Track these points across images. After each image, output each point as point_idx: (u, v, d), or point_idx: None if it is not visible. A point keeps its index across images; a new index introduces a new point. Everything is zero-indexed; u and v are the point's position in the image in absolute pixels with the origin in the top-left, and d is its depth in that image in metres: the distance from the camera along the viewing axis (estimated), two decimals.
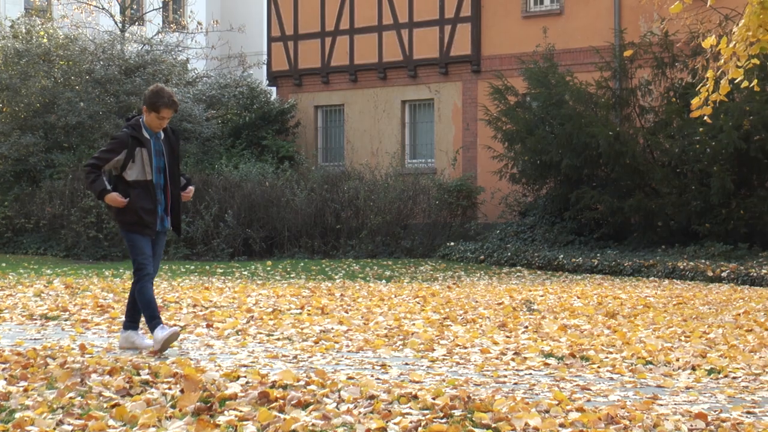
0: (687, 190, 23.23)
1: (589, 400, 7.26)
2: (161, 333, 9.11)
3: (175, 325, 10.48)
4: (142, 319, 9.51)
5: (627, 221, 24.31)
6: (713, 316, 13.01)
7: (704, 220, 23.05)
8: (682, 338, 10.65)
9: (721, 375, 8.51)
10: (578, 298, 15.41)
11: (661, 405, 7.07)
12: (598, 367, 8.89)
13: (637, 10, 25.86)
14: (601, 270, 21.98)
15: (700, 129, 22.37)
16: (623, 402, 7.09)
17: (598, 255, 22.95)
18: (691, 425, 6.34)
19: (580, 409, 6.65)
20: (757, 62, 15.67)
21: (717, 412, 6.78)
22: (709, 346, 10.01)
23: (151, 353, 9.05)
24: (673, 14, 15.45)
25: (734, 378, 8.37)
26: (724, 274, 19.98)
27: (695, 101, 15.22)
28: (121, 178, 9.35)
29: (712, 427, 6.31)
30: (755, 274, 19.52)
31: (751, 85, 15.83)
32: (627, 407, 6.79)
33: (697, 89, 15.67)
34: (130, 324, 9.54)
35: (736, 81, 15.30)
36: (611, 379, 8.37)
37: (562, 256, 23.08)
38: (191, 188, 9.76)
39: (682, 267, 20.82)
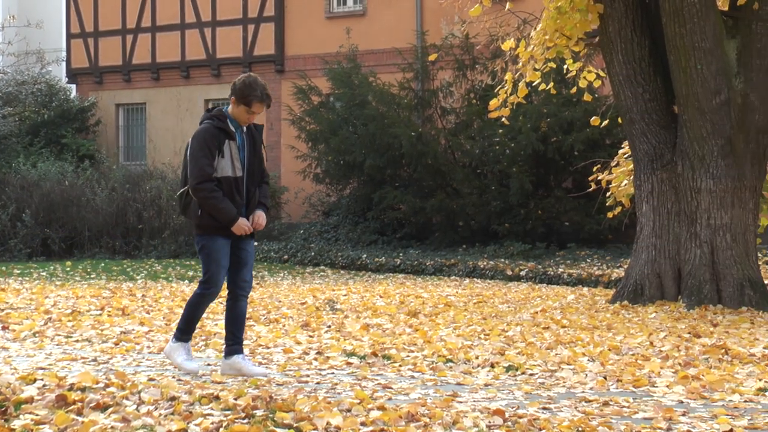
0: (487, 191, 23.66)
1: (390, 399, 7.30)
2: (180, 359, 8.27)
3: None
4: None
5: (429, 221, 24.62)
6: (512, 314, 13.27)
7: (504, 220, 23.53)
8: (482, 336, 10.82)
9: (519, 372, 8.68)
10: (381, 297, 15.52)
11: (461, 402, 7.16)
12: (400, 365, 8.95)
13: (439, 13, 26.22)
14: (403, 269, 22.21)
15: (500, 131, 22.86)
16: (424, 400, 7.15)
17: (401, 254, 23.18)
18: (490, 422, 6.43)
19: (381, 408, 6.68)
20: (554, 66, 16.12)
21: (515, 409, 6.90)
22: (508, 344, 10.20)
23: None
24: (474, 17, 15.73)
25: (531, 375, 8.55)
26: (522, 273, 20.44)
27: (494, 103, 15.55)
28: None
29: (510, 423, 6.42)
30: (552, 273, 20.04)
31: (548, 88, 16.25)
32: (427, 405, 6.86)
33: (496, 91, 16.02)
34: (233, 346, 8.32)
35: (534, 84, 15.69)
36: (412, 377, 8.43)
37: (365, 255, 23.22)
38: (260, 214, 8.40)
39: (482, 266, 21.20)
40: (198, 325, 10.71)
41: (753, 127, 13.82)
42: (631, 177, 15.23)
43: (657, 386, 7.96)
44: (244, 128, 8.33)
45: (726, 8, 14.54)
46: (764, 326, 11.94)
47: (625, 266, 16.28)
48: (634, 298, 14.09)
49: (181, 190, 8.35)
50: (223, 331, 8.55)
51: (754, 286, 13.76)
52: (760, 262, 15.82)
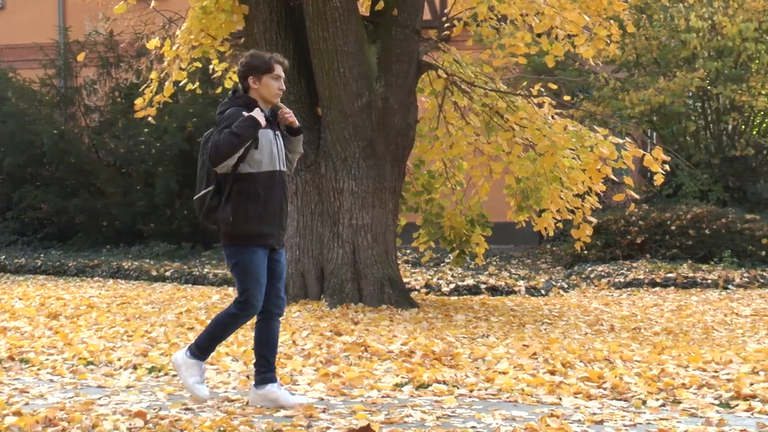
0: (132, 190, 23.35)
1: (27, 404, 7.06)
2: (191, 380, 7.17)
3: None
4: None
5: (72, 221, 24.04)
6: (156, 315, 13.13)
7: (149, 220, 23.29)
8: (125, 338, 10.65)
9: (161, 373, 8.58)
10: (20, 299, 15.01)
11: (102, 405, 7.01)
12: (38, 369, 8.68)
13: (83, 9, 25.66)
14: (45, 270, 21.58)
15: (146, 130, 22.61)
16: (63, 404, 6.95)
17: (42, 255, 22.52)
18: (131, 424, 6.33)
19: (17, 413, 6.45)
20: (200, 65, 16.05)
21: (156, 410, 6.82)
22: (151, 345, 10.07)
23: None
24: (118, 14, 15.46)
25: (174, 375, 8.47)
26: (168, 274, 20.27)
27: (139, 102, 15.33)
28: (237, 175, 6.97)
29: (151, 425, 6.34)
30: (198, 273, 19.97)
31: (194, 88, 16.18)
32: (66, 409, 6.68)
33: (141, 90, 15.80)
34: (267, 374, 7.16)
35: (180, 83, 15.59)
36: (52, 381, 8.19)
37: (3, 256, 22.42)
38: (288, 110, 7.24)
39: (126, 267, 20.88)
40: None
41: (393, 130, 14.25)
42: None
43: (299, 384, 8.07)
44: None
45: (367, 14, 14.94)
46: (402, 323, 12.34)
47: None
48: None
49: (203, 192, 7.10)
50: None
51: (394, 285, 14.19)
52: (399, 262, 16.37)
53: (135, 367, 8.82)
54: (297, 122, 7.24)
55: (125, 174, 23.79)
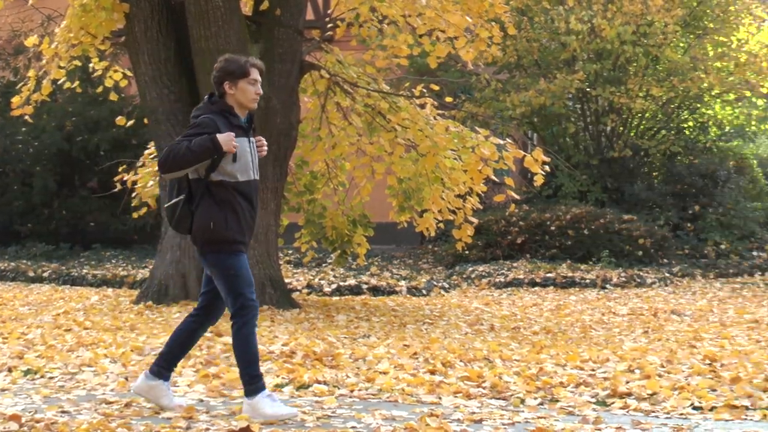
0: (9, 190, 22.93)
1: None
2: (274, 410, 6.63)
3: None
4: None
5: None
6: (33, 316, 12.91)
7: (26, 220, 22.89)
8: (0, 340, 10.45)
9: (38, 375, 8.44)
10: None
11: None
12: None
13: None
14: None
15: (23, 129, 22.20)
16: None
17: None
18: (5, 427, 6.21)
19: None
20: (80, 64, 15.81)
21: (32, 413, 6.71)
22: (27, 347, 9.89)
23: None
24: None
25: (51, 378, 8.33)
26: (45, 275, 19.92)
27: (16, 100, 15.04)
28: (209, 183, 6.71)
29: (26, 428, 6.23)
30: (76, 274, 19.66)
31: (74, 86, 15.95)
32: None
33: (18, 88, 15.51)
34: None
35: (59, 82, 15.34)
36: None
37: None
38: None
39: (3, 268, 20.48)
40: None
41: (275, 130, 14.21)
42: (157, 178, 15.24)
43: (178, 385, 7.99)
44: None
45: (250, 13, 14.87)
46: (284, 324, 12.32)
47: (151, 267, 16.28)
48: (159, 299, 14.10)
49: (174, 200, 6.80)
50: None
51: (275, 285, 14.16)
52: (281, 262, 16.32)
53: (10, 370, 8.66)
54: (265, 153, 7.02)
55: (2, 173, 23.33)
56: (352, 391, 7.85)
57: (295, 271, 19.93)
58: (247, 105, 6.85)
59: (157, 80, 14.36)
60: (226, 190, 6.69)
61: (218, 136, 6.60)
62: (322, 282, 18.01)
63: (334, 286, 17.70)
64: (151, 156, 16.12)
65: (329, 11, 17.06)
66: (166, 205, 6.92)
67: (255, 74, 6.84)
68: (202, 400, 7.47)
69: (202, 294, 7.05)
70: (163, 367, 6.93)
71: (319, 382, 8.11)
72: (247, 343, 6.68)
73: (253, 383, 6.66)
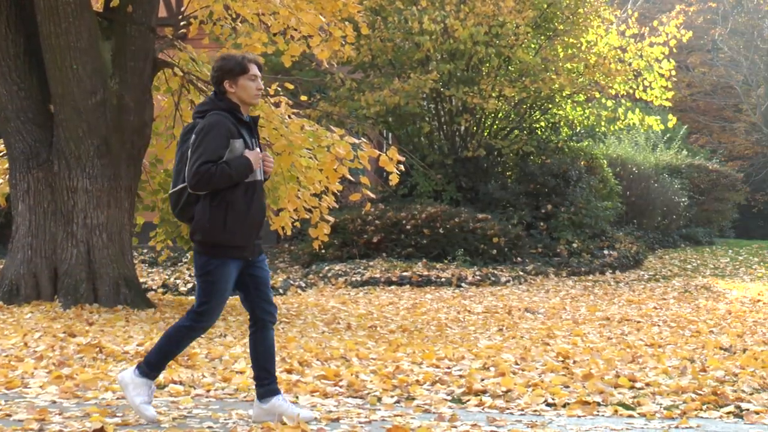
0: None
1: None
2: (138, 398, 6.59)
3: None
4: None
5: None
6: None
7: None
8: None
9: None
10: None
11: None
12: None
13: None
14: None
15: None
16: None
17: None
18: None
19: None
20: None
21: None
22: None
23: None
24: None
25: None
26: None
27: None
28: None
29: None
30: None
31: None
32: None
33: None
34: (270, 386, 6.63)
35: None
36: None
37: None
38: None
39: None
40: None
41: (128, 128, 14.04)
42: (7, 176, 14.92)
43: (30, 387, 7.84)
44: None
45: (102, 10, 14.65)
46: (139, 324, 12.18)
47: (1, 266, 15.91)
48: (10, 299, 13.79)
49: (179, 187, 6.58)
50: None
51: (130, 285, 13.98)
52: (135, 261, 16.12)
53: None
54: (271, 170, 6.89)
55: None
56: (208, 390, 7.80)
57: (150, 270, 19.71)
58: (250, 101, 6.73)
59: (6, 76, 14.05)
60: (233, 193, 6.53)
61: (248, 154, 6.54)
62: (178, 281, 17.84)
63: (189, 285, 17.55)
64: (1, 154, 15.74)
65: (182, 9, 16.90)
66: (170, 192, 6.74)
67: (254, 70, 6.73)
68: (55, 402, 7.34)
69: (244, 305, 6.80)
70: (265, 385, 6.66)
71: (174, 382, 8.04)
72: (178, 342, 6.68)
73: (147, 369, 6.63)
